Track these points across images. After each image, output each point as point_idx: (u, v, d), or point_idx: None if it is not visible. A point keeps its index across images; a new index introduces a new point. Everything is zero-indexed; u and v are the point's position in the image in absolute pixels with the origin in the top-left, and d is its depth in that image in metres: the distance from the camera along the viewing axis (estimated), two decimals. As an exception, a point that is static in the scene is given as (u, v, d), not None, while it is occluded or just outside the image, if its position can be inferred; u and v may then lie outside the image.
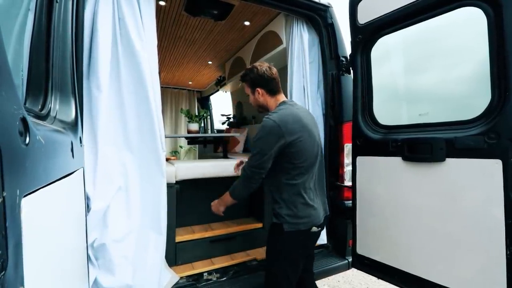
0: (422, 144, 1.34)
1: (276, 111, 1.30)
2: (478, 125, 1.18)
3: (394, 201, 1.47)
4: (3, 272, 0.32)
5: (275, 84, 1.37)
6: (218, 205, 1.50)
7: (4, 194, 0.33)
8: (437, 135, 1.30)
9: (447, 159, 1.25)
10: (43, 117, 0.73)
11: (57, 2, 0.93)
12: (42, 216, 0.52)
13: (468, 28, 1.37)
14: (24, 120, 0.41)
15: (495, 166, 1.10)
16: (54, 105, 0.85)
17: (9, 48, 0.74)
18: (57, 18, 0.93)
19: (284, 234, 1.25)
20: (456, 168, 1.22)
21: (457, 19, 1.32)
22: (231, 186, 1.40)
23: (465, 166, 1.19)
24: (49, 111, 0.79)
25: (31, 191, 0.43)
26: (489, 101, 1.17)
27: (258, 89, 1.37)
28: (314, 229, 1.31)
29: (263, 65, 1.38)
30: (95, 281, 1.29)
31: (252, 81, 1.38)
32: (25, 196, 0.40)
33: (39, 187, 0.48)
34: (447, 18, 1.32)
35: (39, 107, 0.77)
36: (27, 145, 0.42)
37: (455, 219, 1.23)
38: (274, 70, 1.38)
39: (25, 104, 0.73)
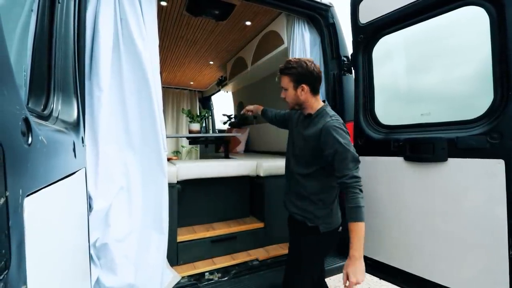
0: (424, 144, 1.34)
1: (331, 114, 1.27)
2: (481, 124, 1.18)
3: (396, 201, 1.46)
4: (6, 271, 0.32)
5: (319, 82, 1.32)
6: (358, 262, 1.12)
7: (7, 193, 0.33)
8: (439, 135, 1.29)
9: (449, 159, 1.25)
10: (46, 117, 0.74)
11: (59, 2, 0.93)
12: (45, 215, 0.52)
13: (471, 27, 1.36)
14: (26, 120, 0.41)
15: (497, 166, 1.09)
16: (56, 105, 0.85)
17: (12, 49, 0.74)
18: (59, 18, 0.93)
19: (320, 235, 1.26)
20: (458, 168, 1.22)
21: (459, 18, 1.31)
22: (351, 216, 1.13)
23: (467, 166, 1.19)
24: (52, 111, 0.80)
25: (33, 190, 0.43)
26: (491, 100, 1.16)
27: (304, 85, 1.27)
28: (340, 228, 1.34)
29: (309, 60, 1.28)
30: (98, 280, 1.29)
31: (298, 76, 1.27)
32: (27, 195, 0.40)
33: (42, 187, 0.48)
34: (449, 17, 1.31)
35: (42, 107, 0.78)
36: (29, 145, 0.42)
37: (457, 219, 1.22)
38: (319, 67, 1.31)
39: (27, 104, 0.73)
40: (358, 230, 1.12)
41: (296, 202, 1.34)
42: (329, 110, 1.31)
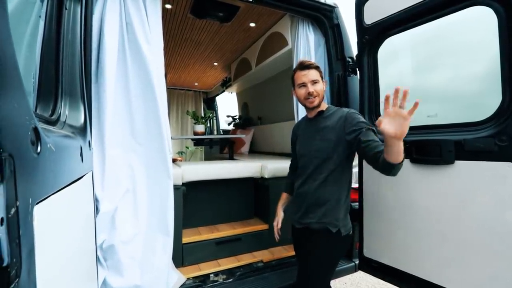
0: (431, 146, 1.32)
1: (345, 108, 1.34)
2: (489, 127, 1.16)
3: (402, 204, 1.45)
4: (17, 280, 0.33)
5: None
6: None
7: (18, 203, 0.34)
8: (446, 137, 1.28)
9: (456, 161, 1.23)
10: (53, 123, 0.75)
11: (66, 9, 0.95)
12: (53, 221, 0.53)
13: (479, 25, 1.34)
14: (35, 130, 0.42)
15: (506, 169, 1.07)
16: (64, 110, 0.86)
17: (21, 56, 0.76)
18: (67, 24, 0.95)
19: (342, 238, 1.27)
20: (466, 171, 1.20)
21: (467, 17, 1.29)
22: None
23: (475, 169, 1.17)
24: (59, 116, 0.81)
25: (42, 198, 0.44)
26: (500, 102, 1.14)
27: (324, 80, 1.37)
28: (351, 231, 1.34)
29: None
30: (104, 281, 1.31)
31: (320, 72, 1.35)
32: (37, 203, 0.41)
33: (50, 193, 0.49)
34: (456, 16, 1.29)
35: (50, 113, 0.79)
36: (38, 154, 0.43)
37: (465, 223, 1.21)
38: None
39: (36, 110, 0.74)
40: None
41: (315, 209, 1.28)
42: (333, 106, 1.39)
